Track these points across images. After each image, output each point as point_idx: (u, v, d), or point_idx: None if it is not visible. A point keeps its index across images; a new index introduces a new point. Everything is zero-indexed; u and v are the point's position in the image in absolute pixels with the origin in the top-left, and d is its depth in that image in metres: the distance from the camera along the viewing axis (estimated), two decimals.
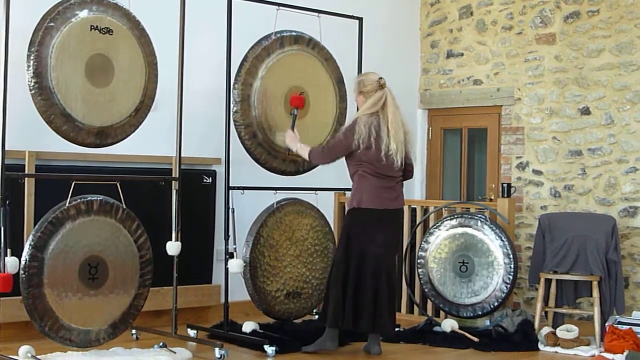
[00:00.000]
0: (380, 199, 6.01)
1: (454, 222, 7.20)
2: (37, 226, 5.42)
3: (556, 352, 6.40)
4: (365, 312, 5.95)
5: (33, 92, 5.36)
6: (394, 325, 6.16)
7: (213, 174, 7.22)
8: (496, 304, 6.95)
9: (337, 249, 6.17)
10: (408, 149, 6.10)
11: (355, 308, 5.94)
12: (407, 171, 6.18)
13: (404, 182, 6.24)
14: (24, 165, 6.11)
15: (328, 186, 7.02)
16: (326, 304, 6.05)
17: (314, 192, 6.79)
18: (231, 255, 6.30)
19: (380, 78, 6.09)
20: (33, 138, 6.14)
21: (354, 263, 5.97)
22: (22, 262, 5.27)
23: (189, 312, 6.98)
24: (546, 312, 6.97)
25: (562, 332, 6.48)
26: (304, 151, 6.23)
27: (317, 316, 6.85)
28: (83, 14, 5.55)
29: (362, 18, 7.17)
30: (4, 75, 5.23)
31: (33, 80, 5.35)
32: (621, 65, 7.62)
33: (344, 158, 6.10)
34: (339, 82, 6.90)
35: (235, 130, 6.41)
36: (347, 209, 6.24)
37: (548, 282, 6.94)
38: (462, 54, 8.81)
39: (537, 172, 8.12)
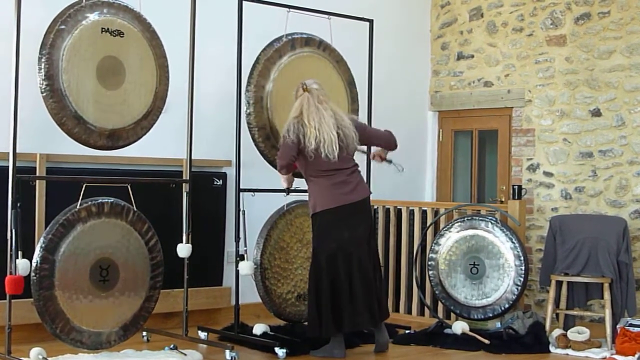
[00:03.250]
0: (334, 197, 5.99)
1: (464, 224, 7.19)
2: (48, 228, 5.43)
3: (567, 354, 6.39)
4: (345, 313, 5.95)
5: (44, 94, 5.38)
6: (373, 319, 6.06)
7: (224, 176, 7.22)
8: (507, 306, 6.94)
9: (311, 258, 6.12)
10: (351, 134, 6.06)
11: (334, 311, 5.94)
12: (383, 140, 6.35)
13: (395, 146, 6.38)
14: (35, 167, 6.13)
15: None
16: (309, 315, 6.07)
17: None
18: (242, 258, 6.31)
19: (303, 83, 6.10)
20: (44, 140, 6.15)
21: (325, 270, 5.95)
22: (33, 265, 5.29)
23: (199, 314, 6.98)
24: (557, 314, 6.96)
25: (573, 334, 6.47)
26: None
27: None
28: (94, 16, 5.57)
29: (372, 20, 7.18)
30: (16, 78, 5.25)
31: (44, 83, 5.37)
32: (632, 67, 7.60)
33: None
34: (350, 84, 6.91)
35: (249, 132, 6.41)
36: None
37: (559, 284, 6.93)
38: (472, 56, 8.80)
39: (548, 174, 8.11)
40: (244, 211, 6.32)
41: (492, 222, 7.07)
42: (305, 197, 6.72)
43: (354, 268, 5.99)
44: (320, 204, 6.00)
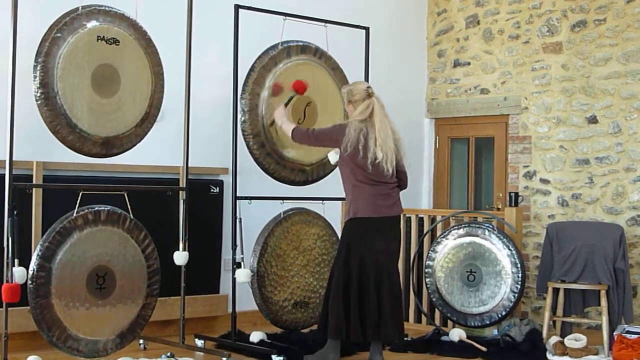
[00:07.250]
0: (377, 207, 5.96)
1: (461, 231, 7.18)
2: (44, 236, 5.43)
3: None
4: (369, 322, 5.93)
5: (39, 102, 5.38)
6: (400, 333, 6.08)
7: (220, 184, 7.22)
8: (504, 313, 6.93)
9: (336, 260, 6.08)
10: (399, 157, 6.06)
11: (360, 318, 5.92)
12: (399, 179, 6.12)
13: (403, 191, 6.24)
14: (32, 175, 6.13)
15: (335, 196, 7.01)
16: (325, 316, 5.99)
17: (321, 201, 6.79)
18: (238, 265, 6.31)
19: (369, 87, 6.06)
20: (41, 148, 6.15)
21: (354, 273, 5.93)
22: (30, 272, 5.28)
23: (196, 322, 6.98)
24: (554, 322, 6.95)
25: (570, 341, 6.47)
26: (287, 127, 6.21)
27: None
28: (90, 24, 5.57)
29: (368, 28, 7.18)
30: (12, 86, 5.25)
31: (39, 91, 5.36)
32: (628, 74, 7.62)
33: (337, 167, 6.11)
34: None
35: (244, 140, 6.41)
36: (345, 219, 6.18)
37: (556, 291, 6.92)
38: (469, 63, 8.82)
39: (545, 181, 8.11)
40: (240, 219, 6.32)
41: (489, 229, 7.07)
42: (301, 204, 6.74)
43: (384, 279, 5.96)
44: (363, 210, 5.94)
